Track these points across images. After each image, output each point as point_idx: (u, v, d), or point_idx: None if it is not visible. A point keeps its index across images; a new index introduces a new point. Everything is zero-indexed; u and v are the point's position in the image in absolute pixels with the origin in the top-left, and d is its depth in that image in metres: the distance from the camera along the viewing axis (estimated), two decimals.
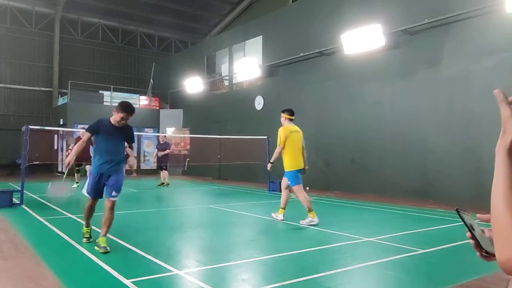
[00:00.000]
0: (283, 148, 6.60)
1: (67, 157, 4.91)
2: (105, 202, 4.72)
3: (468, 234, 0.86)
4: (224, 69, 19.35)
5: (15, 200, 8.32)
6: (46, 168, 18.17)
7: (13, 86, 20.10)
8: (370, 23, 10.46)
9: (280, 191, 7.06)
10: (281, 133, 6.66)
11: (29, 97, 20.57)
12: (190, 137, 18.26)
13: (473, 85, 8.73)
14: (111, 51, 23.00)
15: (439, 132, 9.38)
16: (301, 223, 6.36)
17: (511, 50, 8.18)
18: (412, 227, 6.28)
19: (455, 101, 9.13)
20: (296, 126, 6.83)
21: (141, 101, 20.24)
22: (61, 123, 18.15)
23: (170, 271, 3.86)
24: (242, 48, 16.98)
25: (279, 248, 4.97)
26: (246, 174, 15.09)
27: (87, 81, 20.66)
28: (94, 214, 5.00)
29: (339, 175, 11.85)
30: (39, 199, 9.29)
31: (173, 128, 19.64)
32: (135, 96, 20.32)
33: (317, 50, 12.51)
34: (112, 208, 4.69)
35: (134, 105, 5.07)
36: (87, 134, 4.77)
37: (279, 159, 6.78)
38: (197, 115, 18.70)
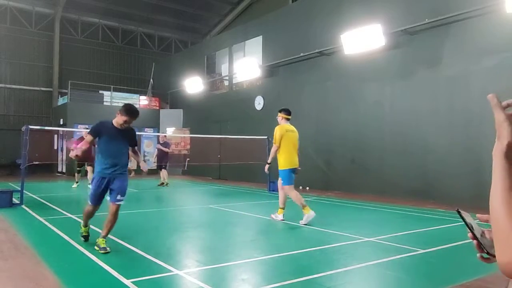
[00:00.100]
0: (278, 147, 6.59)
1: (73, 151, 4.66)
2: (109, 206, 4.61)
3: (470, 234, 0.87)
4: (224, 69, 19.35)
5: (15, 200, 8.31)
6: (46, 168, 18.19)
7: (13, 86, 20.10)
8: (370, 23, 10.46)
9: None
10: (276, 132, 6.63)
11: (29, 97, 20.56)
12: (190, 137, 18.26)
13: (473, 85, 8.73)
14: (111, 51, 22.99)
15: (439, 132, 9.38)
16: (301, 223, 6.35)
17: (511, 50, 8.18)
18: (412, 227, 6.29)
19: (455, 101, 9.13)
20: (292, 126, 6.81)
21: (141, 101, 20.23)
22: (61, 123, 18.14)
23: (170, 271, 3.86)
24: (242, 48, 16.97)
25: (279, 248, 4.96)
26: (246, 174, 15.08)
27: (87, 81, 20.65)
28: (96, 214, 4.95)
29: (339, 175, 11.84)
30: (39, 199, 9.29)
31: (173, 128, 19.64)
32: (135, 96, 20.35)
33: (317, 50, 12.51)
34: (116, 212, 4.60)
35: (134, 105, 5.02)
36: (90, 137, 4.68)
37: (276, 159, 6.74)
38: (197, 115, 18.69)
